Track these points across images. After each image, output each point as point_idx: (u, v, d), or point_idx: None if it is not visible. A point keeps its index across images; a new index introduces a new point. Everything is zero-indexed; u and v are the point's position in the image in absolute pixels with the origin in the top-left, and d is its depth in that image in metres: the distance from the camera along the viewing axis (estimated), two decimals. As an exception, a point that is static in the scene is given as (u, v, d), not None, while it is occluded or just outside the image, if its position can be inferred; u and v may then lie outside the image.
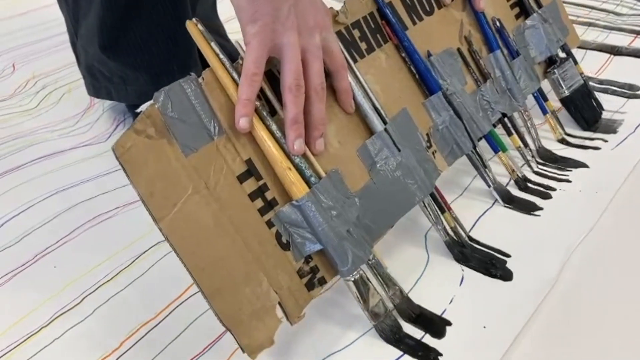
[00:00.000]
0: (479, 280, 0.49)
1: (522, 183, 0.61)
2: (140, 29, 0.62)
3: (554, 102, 0.70)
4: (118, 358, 0.44)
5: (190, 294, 0.50)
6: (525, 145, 0.64)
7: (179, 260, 0.40)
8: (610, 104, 0.74)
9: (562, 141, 0.68)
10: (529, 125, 0.65)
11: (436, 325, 0.45)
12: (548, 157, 0.65)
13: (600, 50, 0.88)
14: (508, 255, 0.51)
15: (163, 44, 0.44)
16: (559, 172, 0.62)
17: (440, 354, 0.43)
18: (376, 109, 0.50)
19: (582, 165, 0.63)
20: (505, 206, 0.58)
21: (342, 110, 0.49)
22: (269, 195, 0.44)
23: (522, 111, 0.64)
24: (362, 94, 0.50)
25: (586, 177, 0.61)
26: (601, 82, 0.79)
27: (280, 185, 0.44)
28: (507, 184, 0.61)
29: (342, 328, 0.46)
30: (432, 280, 0.50)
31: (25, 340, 0.46)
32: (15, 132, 0.77)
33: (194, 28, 0.45)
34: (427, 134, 0.55)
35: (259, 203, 0.43)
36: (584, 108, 0.70)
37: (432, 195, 0.52)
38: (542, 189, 0.60)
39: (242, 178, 0.43)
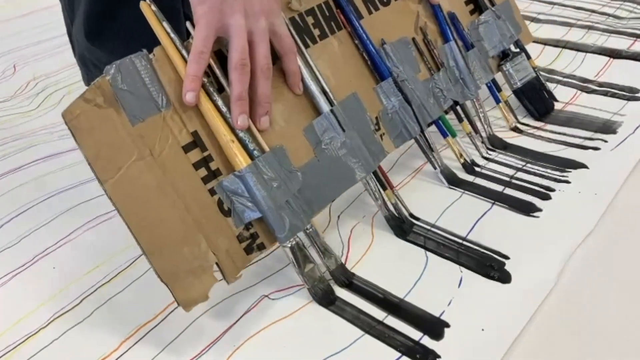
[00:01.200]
0: (477, 282, 0.49)
1: (470, 167, 0.64)
2: (126, 17, 0.62)
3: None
4: (117, 359, 0.44)
5: (189, 295, 0.50)
6: (476, 131, 0.67)
7: (122, 220, 0.43)
8: (609, 106, 0.74)
9: (515, 129, 0.71)
10: (480, 113, 0.68)
11: (434, 326, 0.45)
12: (498, 144, 0.68)
13: (600, 54, 0.88)
14: (507, 257, 0.51)
15: (150, 33, 0.46)
16: (557, 173, 0.62)
17: (439, 356, 0.43)
18: (324, 92, 0.53)
19: (582, 166, 0.63)
20: (449, 187, 0.61)
21: (290, 91, 0.52)
22: (213, 165, 0.47)
23: (474, 100, 0.68)
24: (311, 77, 0.53)
25: (585, 178, 0.61)
26: (601, 84, 0.79)
27: (224, 157, 0.47)
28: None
29: (339, 330, 0.46)
30: (431, 282, 0.49)
31: (24, 341, 0.46)
32: (15, 133, 0.77)
33: (147, 8, 0.48)
34: (377, 117, 0.58)
35: (203, 172, 0.47)
36: (534, 99, 0.75)
37: (375, 174, 0.56)
38: (541, 189, 0.60)
39: (187, 148, 0.46)
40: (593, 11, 1.05)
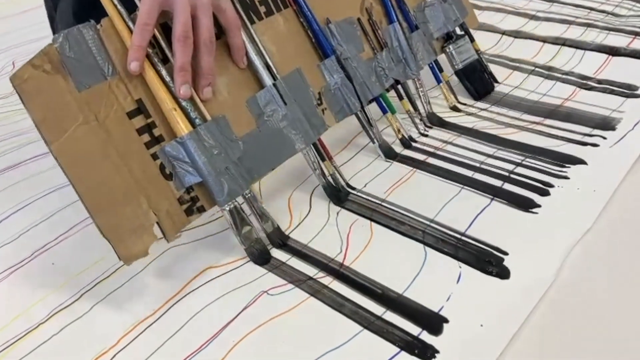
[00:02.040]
0: (476, 278, 0.49)
1: (407, 142, 0.69)
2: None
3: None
4: (116, 354, 0.44)
5: (188, 291, 0.50)
6: (416, 109, 0.72)
7: (67, 179, 0.46)
8: (608, 103, 0.74)
9: (454, 108, 0.76)
10: (420, 92, 0.72)
11: (433, 322, 0.45)
12: (437, 121, 0.73)
13: (599, 51, 0.88)
14: (505, 253, 0.51)
15: None
16: (556, 169, 0.62)
17: (437, 351, 0.43)
18: (268, 67, 0.57)
19: (581, 162, 0.63)
20: (386, 160, 0.66)
21: (235, 65, 0.56)
22: (156, 132, 0.50)
23: (416, 79, 0.72)
24: (256, 52, 0.56)
25: (584, 175, 0.61)
26: (600, 81, 0.79)
27: (168, 125, 0.50)
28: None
29: (338, 326, 0.46)
30: (430, 277, 0.49)
31: (23, 336, 0.46)
32: (14, 129, 0.77)
33: None
34: (319, 93, 0.62)
35: (146, 138, 0.50)
36: (475, 80, 0.79)
37: (315, 146, 0.59)
38: (540, 185, 0.60)
39: (131, 114, 0.49)
40: (592, 9, 1.05)
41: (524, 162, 0.63)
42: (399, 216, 0.57)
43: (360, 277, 0.50)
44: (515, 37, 0.96)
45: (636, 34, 0.91)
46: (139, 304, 0.49)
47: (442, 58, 0.78)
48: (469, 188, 0.60)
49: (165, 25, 0.51)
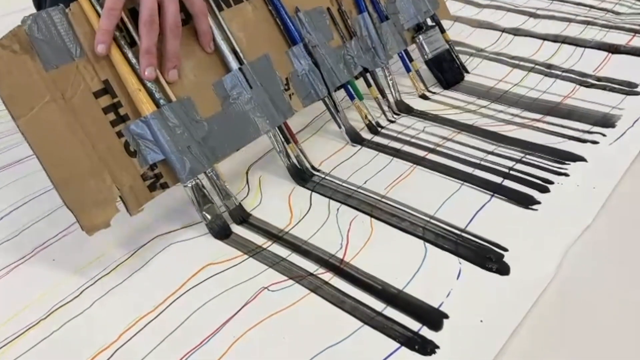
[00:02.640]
0: (476, 274, 0.49)
1: (373, 127, 0.71)
2: None
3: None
4: (116, 350, 0.45)
5: (189, 287, 0.50)
6: (384, 97, 0.74)
7: (33, 153, 0.48)
8: (608, 100, 0.74)
9: (423, 96, 0.79)
10: (389, 80, 0.75)
11: (433, 317, 0.45)
12: (404, 109, 0.76)
13: (599, 49, 0.88)
14: (505, 249, 0.51)
15: None
16: (556, 166, 0.62)
17: (437, 346, 0.43)
18: (235, 52, 0.59)
19: (580, 159, 0.63)
20: (353, 145, 0.68)
21: (202, 49, 0.58)
22: (122, 111, 0.53)
23: (384, 67, 0.75)
24: (223, 38, 0.59)
25: (584, 172, 0.61)
26: (599, 79, 0.79)
27: (133, 105, 0.53)
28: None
29: (338, 322, 0.46)
30: (430, 273, 0.50)
31: (24, 332, 0.46)
32: (14, 126, 0.76)
33: None
34: (287, 78, 0.64)
35: (112, 116, 0.52)
36: (445, 70, 0.81)
37: (281, 129, 0.62)
38: (540, 181, 0.60)
39: (97, 94, 0.52)
40: (592, 7, 1.05)
41: (523, 159, 0.63)
42: (399, 212, 0.57)
43: (361, 273, 0.50)
44: (515, 34, 0.96)
45: (636, 31, 0.92)
46: (139, 300, 0.49)
47: (415, 48, 0.81)
48: (469, 184, 0.60)
49: (133, 10, 0.54)
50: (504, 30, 0.97)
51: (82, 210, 0.50)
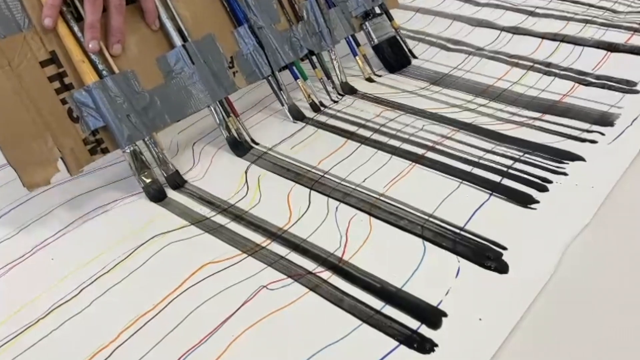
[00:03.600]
0: (475, 273, 0.49)
1: (316, 106, 0.76)
2: None
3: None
4: (115, 349, 0.45)
5: (188, 286, 0.50)
6: (329, 78, 0.79)
7: None
8: (607, 98, 0.74)
9: (369, 79, 0.84)
10: (335, 62, 0.81)
11: (432, 316, 0.45)
12: (348, 90, 0.81)
13: (598, 47, 0.88)
14: (504, 248, 0.51)
15: None
16: (554, 165, 0.62)
17: (436, 345, 0.43)
18: (180, 30, 0.64)
19: (579, 158, 0.63)
20: (294, 122, 0.73)
21: (147, 26, 0.63)
22: (67, 80, 0.57)
23: (330, 51, 0.80)
24: (168, 16, 0.64)
25: (583, 171, 0.61)
26: (598, 77, 0.80)
27: (78, 75, 0.58)
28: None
29: (337, 320, 0.46)
30: (429, 272, 0.50)
31: (23, 331, 0.47)
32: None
33: None
34: (232, 57, 0.69)
35: (57, 85, 0.57)
36: (390, 56, 0.86)
37: (222, 103, 0.67)
38: (539, 180, 0.60)
39: (44, 64, 0.56)
40: (591, 5, 1.05)
41: (522, 158, 0.63)
42: (398, 211, 0.57)
43: (359, 272, 0.50)
44: (514, 33, 0.96)
45: (635, 30, 0.92)
46: (138, 299, 0.49)
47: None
48: (467, 183, 0.60)
49: None
50: (502, 29, 0.97)
51: (24, 169, 0.54)
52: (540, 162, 0.63)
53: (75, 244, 0.55)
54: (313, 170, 0.64)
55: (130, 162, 0.60)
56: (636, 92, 0.75)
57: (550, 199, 0.57)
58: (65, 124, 0.57)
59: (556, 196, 0.58)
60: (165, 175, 0.62)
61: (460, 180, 0.61)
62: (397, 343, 0.43)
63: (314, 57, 0.78)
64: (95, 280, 0.51)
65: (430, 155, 0.65)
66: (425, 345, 0.43)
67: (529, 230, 0.54)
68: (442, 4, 1.10)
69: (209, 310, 0.47)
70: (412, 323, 0.45)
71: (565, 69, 0.83)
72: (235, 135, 0.68)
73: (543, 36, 0.93)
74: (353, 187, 0.61)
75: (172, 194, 0.61)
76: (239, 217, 0.57)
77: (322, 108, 0.76)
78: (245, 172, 0.64)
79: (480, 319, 0.45)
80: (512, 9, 1.05)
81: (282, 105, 0.73)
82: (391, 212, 0.57)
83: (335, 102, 0.78)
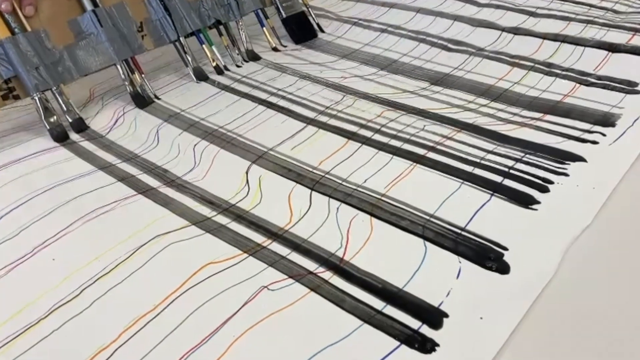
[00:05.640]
0: (476, 273, 0.49)
1: (219, 69, 0.87)
2: None
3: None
4: (116, 350, 0.44)
5: (189, 286, 0.50)
6: (235, 45, 0.90)
7: None
8: (608, 99, 0.74)
9: (275, 49, 0.96)
10: (241, 31, 0.91)
11: (433, 316, 0.45)
12: (252, 57, 0.92)
13: (599, 48, 0.88)
14: (505, 248, 0.51)
15: None
16: (556, 166, 0.62)
17: (437, 345, 0.43)
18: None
19: (580, 159, 0.63)
20: (197, 82, 0.84)
21: None
22: None
23: (237, 21, 0.91)
24: None
25: (584, 172, 0.61)
26: (599, 77, 0.79)
27: None
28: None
29: (338, 320, 0.46)
30: (430, 272, 0.50)
31: (23, 332, 0.46)
32: (14, 125, 0.77)
33: None
34: (141, 22, 0.81)
35: None
36: (297, 29, 0.99)
37: (127, 62, 0.78)
38: (540, 181, 0.60)
39: None
40: (592, 5, 1.05)
41: (523, 159, 0.63)
42: (399, 211, 0.57)
43: (361, 272, 0.50)
44: (515, 33, 0.96)
45: (636, 30, 0.92)
46: (139, 299, 0.49)
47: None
48: (469, 183, 0.60)
49: None
50: (503, 30, 0.97)
51: None
52: (541, 162, 0.63)
53: (76, 245, 0.55)
54: (314, 171, 0.64)
55: (38, 107, 0.71)
56: (637, 92, 0.75)
57: (552, 199, 0.57)
58: None
59: (557, 197, 0.57)
60: (70, 120, 0.73)
61: (462, 181, 0.61)
62: (398, 343, 0.43)
63: (220, 26, 0.89)
64: (96, 280, 0.51)
65: (432, 155, 0.65)
66: (426, 345, 0.43)
67: (530, 230, 0.53)
68: (443, 5, 1.10)
69: (209, 310, 0.47)
70: (413, 323, 0.45)
71: (566, 70, 0.83)
72: (139, 90, 0.79)
73: (544, 37, 0.93)
74: (354, 187, 0.61)
75: (75, 137, 0.72)
76: (240, 217, 0.57)
77: (225, 71, 0.87)
78: (246, 173, 0.65)
79: (481, 318, 0.45)
80: (513, 9, 1.05)
81: (187, 66, 0.84)
82: (392, 213, 0.57)
83: (239, 66, 0.89)
